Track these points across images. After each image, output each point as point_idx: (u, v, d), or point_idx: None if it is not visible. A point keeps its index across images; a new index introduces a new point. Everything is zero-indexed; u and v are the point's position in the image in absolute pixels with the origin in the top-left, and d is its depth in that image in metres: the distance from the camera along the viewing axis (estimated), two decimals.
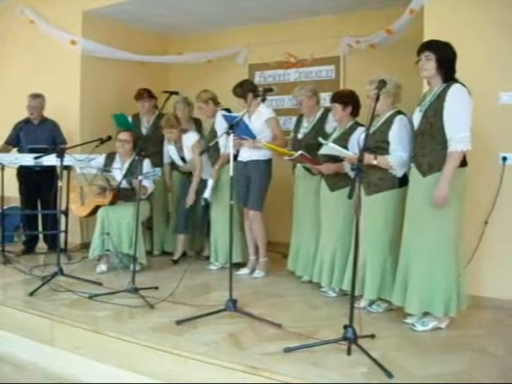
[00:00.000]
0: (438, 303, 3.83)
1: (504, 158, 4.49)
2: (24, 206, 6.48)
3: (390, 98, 4.21)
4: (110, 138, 6.19)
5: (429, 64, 3.83)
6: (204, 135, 6.15)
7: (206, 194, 5.70)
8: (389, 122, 4.23)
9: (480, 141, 4.17)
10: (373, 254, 4.31)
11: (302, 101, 5.21)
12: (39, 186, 6.38)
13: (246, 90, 5.39)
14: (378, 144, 4.22)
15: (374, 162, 4.19)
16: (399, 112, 4.27)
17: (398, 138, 4.15)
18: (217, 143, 5.41)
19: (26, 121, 6.46)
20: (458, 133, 3.68)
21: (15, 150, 6.46)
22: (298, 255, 5.35)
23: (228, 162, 5.15)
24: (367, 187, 4.30)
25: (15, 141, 6.43)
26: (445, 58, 3.80)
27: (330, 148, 4.37)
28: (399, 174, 4.21)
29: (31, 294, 4.61)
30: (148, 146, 6.20)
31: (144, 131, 6.51)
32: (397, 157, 4.14)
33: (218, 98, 6.02)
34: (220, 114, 5.70)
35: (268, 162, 5.52)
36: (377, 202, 4.27)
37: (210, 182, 5.73)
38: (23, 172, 6.32)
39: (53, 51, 6.85)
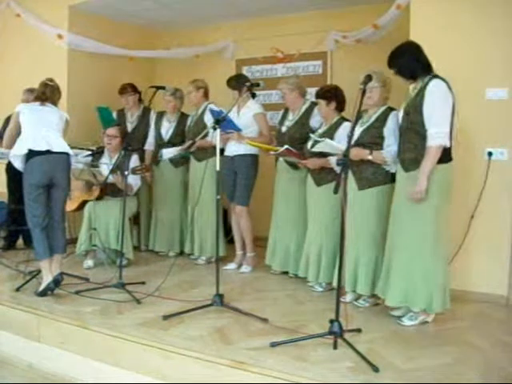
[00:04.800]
0: (417, 299, 3.86)
1: (490, 153, 4.52)
2: (12, 201, 6.41)
3: (382, 91, 4.26)
4: (102, 150, 6.12)
5: (397, 76, 3.97)
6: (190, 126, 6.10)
7: (167, 151, 5.74)
8: (383, 118, 4.25)
9: (466, 136, 4.20)
10: (366, 249, 4.33)
11: (284, 94, 5.22)
12: None
13: (241, 82, 5.37)
14: (373, 139, 4.23)
15: (369, 157, 4.21)
16: (391, 108, 4.29)
17: (393, 134, 4.16)
18: (204, 136, 5.40)
19: None
20: (434, 128, 3.71)
21: None
22: (275, 249, 5.36)
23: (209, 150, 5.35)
24: (360, 182, 4.31)
25: None
26: (400, 66, 3.90)
27: (325, 145, 4.36)
28: (393, 169, 4.21)
29: (17, 289, 4.60)
30: (132, 142, 6.19)
31: (129, 126, 6.48)
32: (392, 152, 4.15)
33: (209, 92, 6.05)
34: (207, 107, 5.70)
35: (255, 156, 5.52)
36: (370, 197, 4.29)
37: (179, 148, 5.80)
38: (12, 166, 6.23)
39: (39, 45, 6.80)
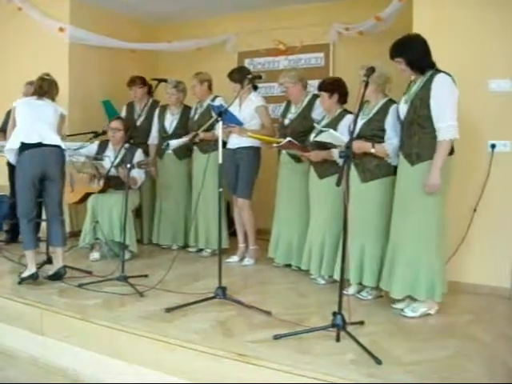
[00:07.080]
0: (420, 287, 3.87)
1: (493, 146, 4.50)
2: (14, 194, 6.39)
3: (373, 85, 4.20)
4: (104, 132, 6.14)
5: (402, 67, 3.92)
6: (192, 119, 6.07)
7: (174, 142, 5.72)
8: (384, 111, 4.24)
9: (469, 128, 4.18)
10: (371, 241, 4.32)
11: (287, 88, 5.21)
12: None
13: (243, 75, 5.37)
14: (374, 132, 4.23)
15: (372, 151, 4.20)
16: (391, 101, 4.28)
17: (394, 127, 4.16)
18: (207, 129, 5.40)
19: None
20: (445, 122, 3.72)
21: None
22: (277, 242, 5.37)
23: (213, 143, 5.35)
24: (363, 174, 4.30)
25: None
26: (412, 57, 3.87)
27: (329, 135, 4.34)
28: (394, 162, 4.20)
29: (20, 282, 4.60)
30: (139, 134, 6.17)
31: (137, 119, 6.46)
32: (393, 145, 4.15)
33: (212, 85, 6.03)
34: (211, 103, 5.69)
35: (257, 149, 5.52)
36: (374, 189, 4.28)
37: (184, 138, 5.75)
38: None
39: (41, 38, 6.79)
